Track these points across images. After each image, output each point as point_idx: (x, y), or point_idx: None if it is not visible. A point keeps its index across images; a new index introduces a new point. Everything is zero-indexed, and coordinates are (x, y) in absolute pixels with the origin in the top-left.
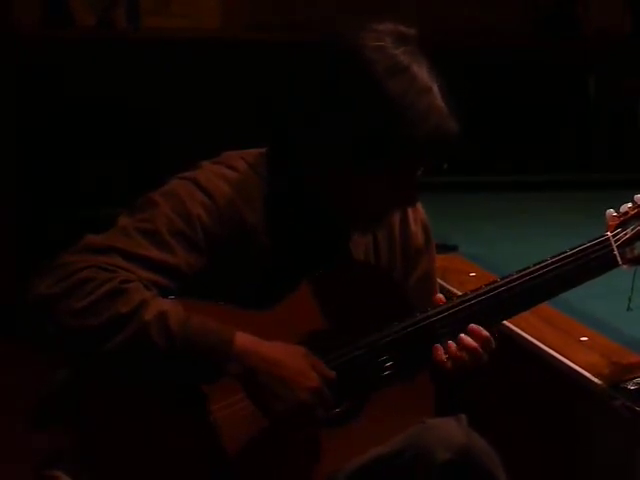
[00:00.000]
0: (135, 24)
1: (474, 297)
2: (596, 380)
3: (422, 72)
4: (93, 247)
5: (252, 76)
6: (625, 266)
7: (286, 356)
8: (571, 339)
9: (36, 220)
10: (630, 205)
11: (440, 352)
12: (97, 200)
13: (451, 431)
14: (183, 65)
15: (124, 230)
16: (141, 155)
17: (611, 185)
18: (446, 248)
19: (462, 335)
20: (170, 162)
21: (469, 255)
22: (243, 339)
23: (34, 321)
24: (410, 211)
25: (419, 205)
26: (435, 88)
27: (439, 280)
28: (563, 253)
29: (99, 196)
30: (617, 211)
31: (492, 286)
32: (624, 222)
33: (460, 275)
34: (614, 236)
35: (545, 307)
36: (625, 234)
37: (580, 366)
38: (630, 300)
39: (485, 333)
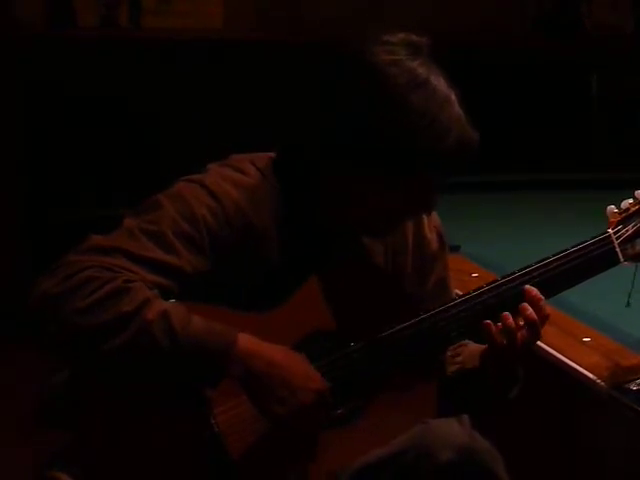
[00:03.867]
0: (137, 24)
1: (475, 297)
2: (599, 381)
3: (440, 83)
4: (98, 247)
5: (255, 76)
6: (627, 263)
7: (288, 358)
8: (574, 340)
9: (36, 220)
10: (631, 201)
11: (492, 328)
12: (97, 200)
13: (454, 431)
14: (185, 65)
15: (129, 231)
16: (142, 155)
17: (613, 184)
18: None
19: (522, 305)
20: (171, 162)
21: (471, 255)
22: (245, 340)
23: (38, 320)
24: (425, 217)
25: (434, 212)
26: (453, 97)
27: None
28: (564, 251)
29: (99, 196)
30: (618, 207)
31: (493, 285)
32: (625, 219)
33: (462, 275)
34: (615, 233)
35: (548, 307)
36: (626, 231)
37: (583, 367)
38: (630, 296)
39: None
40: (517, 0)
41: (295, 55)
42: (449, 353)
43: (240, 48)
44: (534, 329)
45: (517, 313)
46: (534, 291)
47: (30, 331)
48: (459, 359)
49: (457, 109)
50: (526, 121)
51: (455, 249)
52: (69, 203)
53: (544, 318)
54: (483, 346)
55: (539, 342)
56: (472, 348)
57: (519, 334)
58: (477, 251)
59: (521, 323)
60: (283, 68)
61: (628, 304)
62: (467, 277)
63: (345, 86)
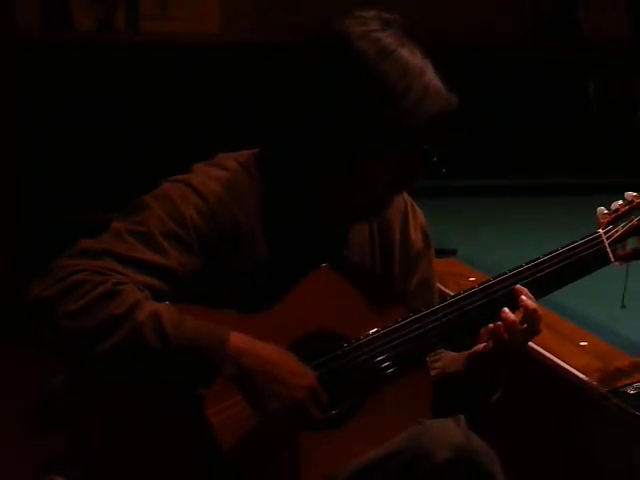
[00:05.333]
0: (134, 27)
1: (466, 297)
2: (596, 384)
3: (413, 53)
4: (87, 251)
5: (252, 78)
6: (617, 263)
7: (280, 356)
8: (570, 343)
9: (36, 221)
10: (621, 202)
11: (495, 327)
12: (97, 201)
13: (450, 431)
14: (183, 68)
15: (117, 233)
16: (142, 157)
17: (610, 188)
18: (445, 252)
19: (520, 298)
20: (170, 164)
21: (468, 259)
22: (237, 339)
23: (32, 324)
24: (411, 217)
25: (419, 211)
26: (428, 66)
27: (437, 284)
28: (555, 251)
29: (99, 197)
30: (608, 208)
31: (485, 285)
32: (615, 219)
33: (459, 279)
34: (605, 233)
35: (544, 311)
36: (616, 231)
37: (579, 370)
38: (624, 297)
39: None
40: (517, 1)
41: (292, 57)
42: (428, 358)
43: (237, 51)
44: (534, 321)
45: (515, 310)
46: (525, 291)
47: (30, 331)
48: (439, 364)
49: (433, 76)
50: (524, 123)
51: (452, 253)
52: (69, 203)
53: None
54: (464, 352)
55: (536, 346)
56: (452, 354)
57: (519, 330)
58: (474, 255)
59: (518, 320)
60: (280, 70)
61: (623, 306)
62: (464, 281)
63: (325, 64)
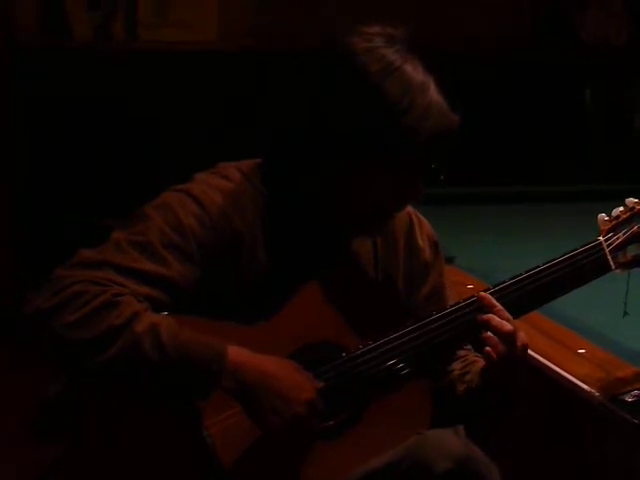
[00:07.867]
0: (133, 35)
1: (465, 306)
2: (594, 392)
3: (417, 69)
4: (86, 262)
5: (250, 86)
6: (618, 270)
7: (279, 369)
8: (569, 351)
9: (36, 223)
10: (622, 209)
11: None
12: (96, 206)
13: (449, 442)
14: (182, 76)
15: (117, 244)
16: (140, 165)
17: (609, 195)
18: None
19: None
20: (168, 172)
21: (466, 267)
22: (235, 353)
23: (33, 333)
24: (417, 228)
25: (425, 221)
26: (431, 83)
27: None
28: (555, 259)
29: (98, 202)
30: (609, 215)
31: (488, 292)
32: (616, 226)
33: (457, 287)
34: (606, 240)
35: (543, 319)
36: (617, 238)
37: (578, 378)
38: (625, 305)
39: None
40: (513, 8)
41: (290, 64)
42: (457, 372)
43: (235, 58)
44: (502, 336)
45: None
46: (486, 299)
47: (30, 334)
48: (467, 377)
49: (435, 94)
50: (521, 132)
51: (449, 260)
52: (69, 208)
53: (507, 319)
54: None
55: (534, 353)
56: (479, 365)
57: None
58: (472, 263)
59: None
60: (278, 77)
61: (625, 313)
62: (462, 288)
63: (326, 79)
